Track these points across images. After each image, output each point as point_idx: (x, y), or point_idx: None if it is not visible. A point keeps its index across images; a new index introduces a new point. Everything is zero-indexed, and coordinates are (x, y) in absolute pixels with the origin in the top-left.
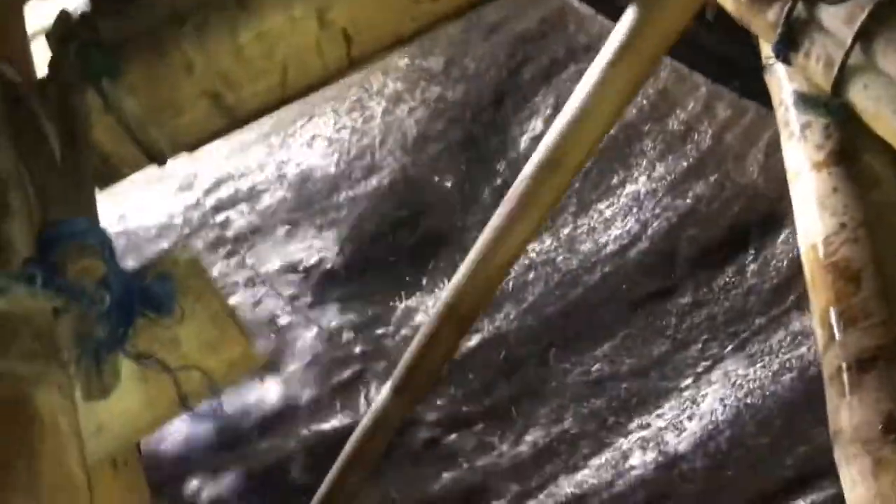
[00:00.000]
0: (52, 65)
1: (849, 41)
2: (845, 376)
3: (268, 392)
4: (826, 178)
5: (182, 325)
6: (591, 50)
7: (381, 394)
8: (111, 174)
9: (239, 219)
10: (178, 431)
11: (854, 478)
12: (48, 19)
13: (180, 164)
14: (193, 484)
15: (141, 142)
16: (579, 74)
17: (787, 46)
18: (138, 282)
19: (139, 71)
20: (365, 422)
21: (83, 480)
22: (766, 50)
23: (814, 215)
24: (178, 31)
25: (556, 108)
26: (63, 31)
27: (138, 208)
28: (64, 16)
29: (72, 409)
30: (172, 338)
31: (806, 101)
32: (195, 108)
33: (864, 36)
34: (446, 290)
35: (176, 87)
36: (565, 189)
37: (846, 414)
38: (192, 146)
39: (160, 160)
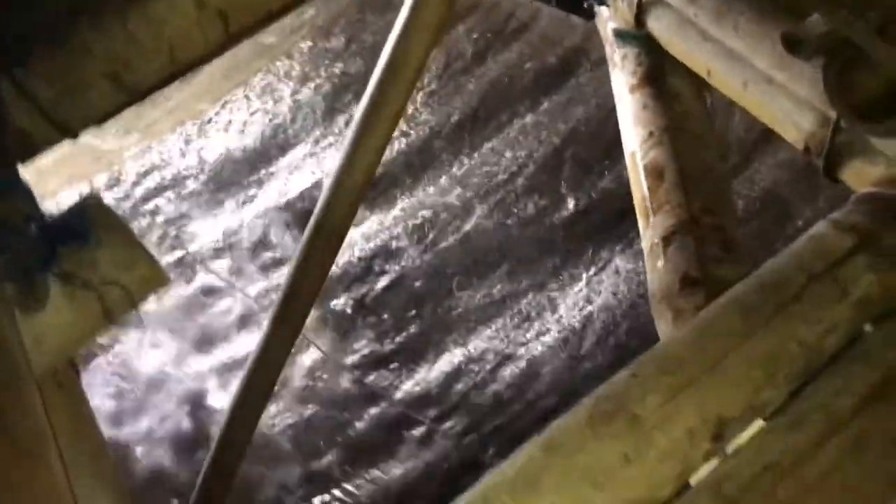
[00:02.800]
0: None
1: None
2: (656, 250)
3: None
4: (639, 97)
5: (99, 249)
6: (477, 6)
7: (264, 327)
8: (32, 149)
9: (167, 205)
10: None
11: (663, 329)
12: None
13: (105, 162)
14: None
15: (54, 120)
16: (469, 29)
17: None
18: (59, 218)
19: (46, 58)
20: (253, 357)
21: (28, 372)
22: None
23: (631, 129)
24: (75, 21)
25: (447, 65)
26: None
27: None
28: None
29: (11, 319)
30: (92, 260)
31: (621, 35)
32: (98, 87)
33: None
34: (315, 210)
35: (79, 70)
36: (407, 97)
37: (656, 279)
38: (101, 120)
39: (72, 135)
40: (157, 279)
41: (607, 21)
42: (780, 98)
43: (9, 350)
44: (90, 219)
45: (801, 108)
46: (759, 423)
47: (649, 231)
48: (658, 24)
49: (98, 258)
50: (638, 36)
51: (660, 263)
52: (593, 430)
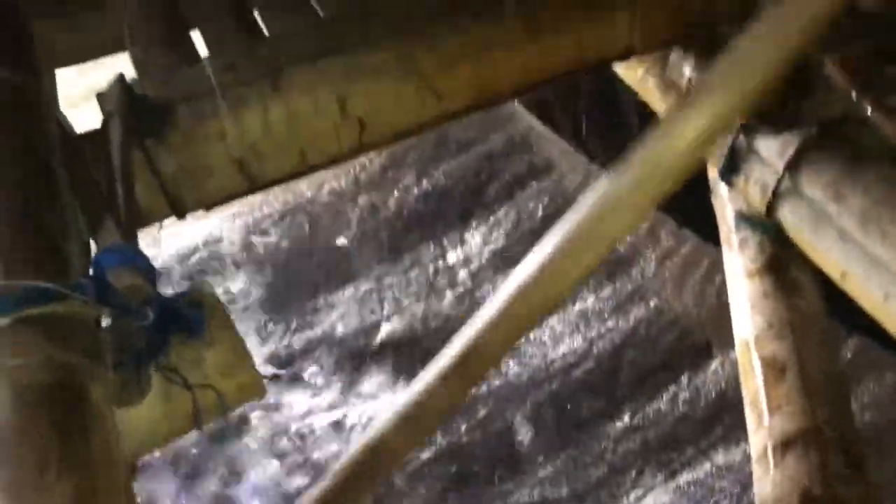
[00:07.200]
0: (104, 120)
1: (780, 170)
2: (770, 455)
3: None
4: (758, 284)
5: (207, 348)
6: (551, 169)
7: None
8: (139, 221)
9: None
10: None
11: None
12: (98, 83)
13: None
14: None
15: (170, 196)
16: (539, 192)
17: (730, 171)
18: (175, 306)
19: (179, 134)
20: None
21: (124, 465)
22: (713, 173)
23: (747, 316)
24: (216, 103)
25: (517, 224)
26: (117, 92)
27: None
28: (119, 78)
29: (112, 406)
30: (197, 358)
31: (744, 219)
32: (223, 172)
33: (793, 166)
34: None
35: (209, 152)
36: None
37: (769, 488)
38: (212, 205)
39: (182, 214)
40: (253, 389)
41: (727, 201)
42: None
43: (109, 444)
44: (205, 311)
45: None
46: None
47: (762, 431)
48: (791, 217)
49: (204, 358)
50: (766, 225)
51: (773, 471)
52: None
